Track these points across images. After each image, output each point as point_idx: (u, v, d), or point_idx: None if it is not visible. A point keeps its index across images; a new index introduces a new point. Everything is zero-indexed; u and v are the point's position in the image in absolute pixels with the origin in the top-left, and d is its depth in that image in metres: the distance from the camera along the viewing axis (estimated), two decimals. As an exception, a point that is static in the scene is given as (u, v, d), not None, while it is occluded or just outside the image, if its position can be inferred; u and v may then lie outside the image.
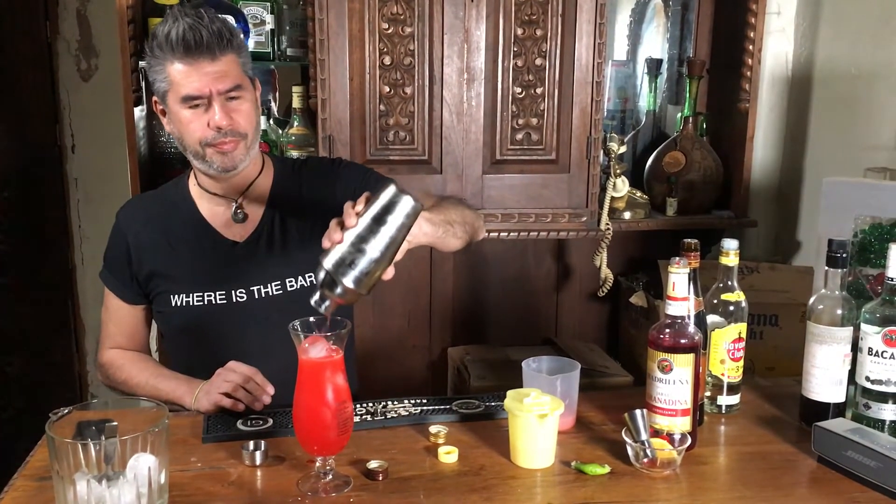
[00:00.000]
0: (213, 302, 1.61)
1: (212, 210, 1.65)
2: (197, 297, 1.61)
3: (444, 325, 2.54)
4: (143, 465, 1.11)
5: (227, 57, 1.49)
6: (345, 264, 1.19)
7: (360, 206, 1.21)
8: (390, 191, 1.21)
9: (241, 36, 1.55)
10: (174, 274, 1.63)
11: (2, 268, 2.80)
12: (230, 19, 1.97)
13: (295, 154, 2.28)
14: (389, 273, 1.23)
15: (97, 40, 2.70)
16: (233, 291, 1.61)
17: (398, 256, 1.24)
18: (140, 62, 2.15)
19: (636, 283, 2.46)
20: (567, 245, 2.55)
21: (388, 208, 1.20)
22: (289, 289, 1.62)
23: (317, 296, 1.22)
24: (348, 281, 1.19)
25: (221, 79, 1.49)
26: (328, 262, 1.20)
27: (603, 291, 2.44)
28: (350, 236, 1.19)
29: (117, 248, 1.68)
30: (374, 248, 1.19)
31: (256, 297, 1.61)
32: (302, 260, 1.62)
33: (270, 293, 1.61)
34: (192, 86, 1.49)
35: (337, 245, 1.19)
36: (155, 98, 1.57)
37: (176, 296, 1.62)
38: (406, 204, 1.20)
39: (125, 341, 1.71)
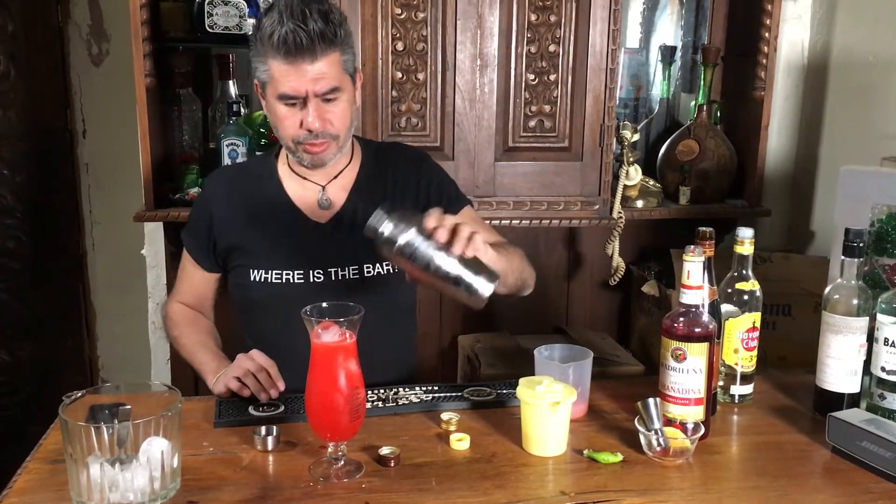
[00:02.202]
0: (291, 281, 1.62)
1: (298, 192, 1.67)
2: (276, 274, 1.63)
3: (455, 312, 2.54)
4: (156, 449, 1.11)
5: (328, 57, 1.49)
6: (410, 247, 1.26)
7: (470, 253, 1.28)
8: (485, 280, 1.28)
9: (348, 29, 1.54)
10: (255, 249, 1.65)
11: (13, 252, 2.80)
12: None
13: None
14: (409, 276, 1.32)
15: (108, 25, 2.69)
16: (310, 272, 1.62)
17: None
18: (153, 46, 2.14)
19: (648, 272, 2.45)
20: (579, 233, 2.54)
21: (474, 277, 1.28)
22: (366, 274, 1.63)
23: (386, 225, 1.27)
24: (396, 242, 1.26)
25: (319, 80, 1.49)
26: (410, 233, 1.26)
27: (615, 280, 2.43)
28: (431, 243, 1.27)
29: (201, 215, 1.71)
30: (426, 259, 1.27)
31: (333, 279, 1.62)
32: None
33: (347, 276, 1.62)
34: (289, 85, 1.49)
35: (430, 240, 1.27)
36: (256, 82, 1.58)
37: (255, 271, 1.64)
38: (480, 293, 1.28)
39: (191, 300, 1.77)
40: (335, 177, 1.66)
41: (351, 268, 1.62)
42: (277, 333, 1.61)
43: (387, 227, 1.27)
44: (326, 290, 1.60)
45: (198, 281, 1.76)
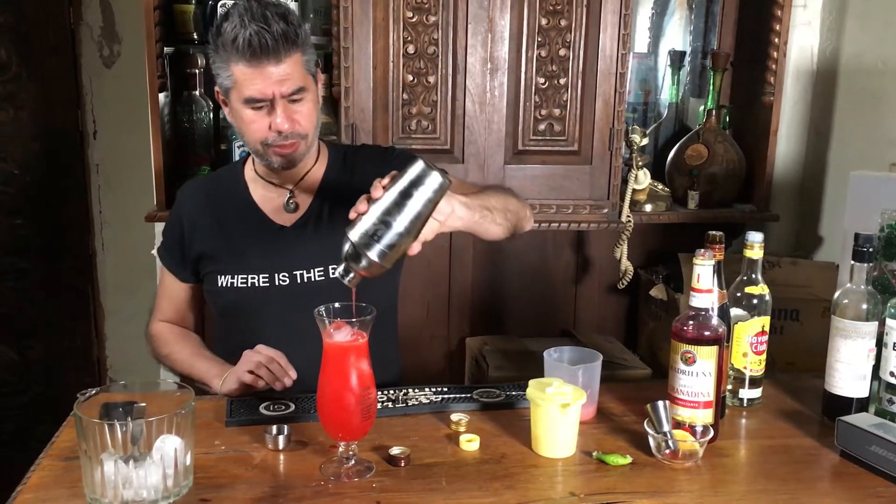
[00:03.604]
0: (257, 284, 1.63)
1: (264, 196, 1.68)
2: (241, 278, 1.64)
3: (463, 315, 2.54)
4: (170, 447, 1.12)
5: (291, 58, 1.50)
6: (370, 237, 1.20)
7: (386, 180, 1.23)
8: (417, 166, 1.22)
9: (306, 30, 1.56)
10: (221, 255, 1.66)
11: (23, 252, 2.82)
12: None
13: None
14: (415, 248, 1.25)
15: (120, 27, 2.70)
16: (276, 275, 1.62)
17: (428, 236, 1.26)
18: (165, 48, 2.16)
19: (656, 276, 2.45)
20: (587, 237, 2.54)
21: (414, 183, 1.21)
22: (331, 275, 1.62)
23: (341, 268, 1.24)
24: (373, 254, 1.20)
25: (284, 81, 1.50)
26: (354, 234, 1.21)
27: (623, 284, 2.43)
28: (377, 210, 1.21)
29: (173, 226, 1.73)
30: (400, 222, 1.21)
31: (299, 281, 1.62)
32: None
33: (313, 278, 1.62)
34: (255, 88, 1.50)
35: (363, 217, 1.21)
36: (218, 89, 1.58)
37: (222, 276, 1.65)
38: (433, 180, 1.21)
39: (174, 316, 1.77)
40: (301, 178, 1.67)
41: (316, 269, 1.63)
42: (247, 338, 1.59)
43: (343, 267, 1.24)
44: (293, 292, 1.61)
45: (177, 294, 1.76)
